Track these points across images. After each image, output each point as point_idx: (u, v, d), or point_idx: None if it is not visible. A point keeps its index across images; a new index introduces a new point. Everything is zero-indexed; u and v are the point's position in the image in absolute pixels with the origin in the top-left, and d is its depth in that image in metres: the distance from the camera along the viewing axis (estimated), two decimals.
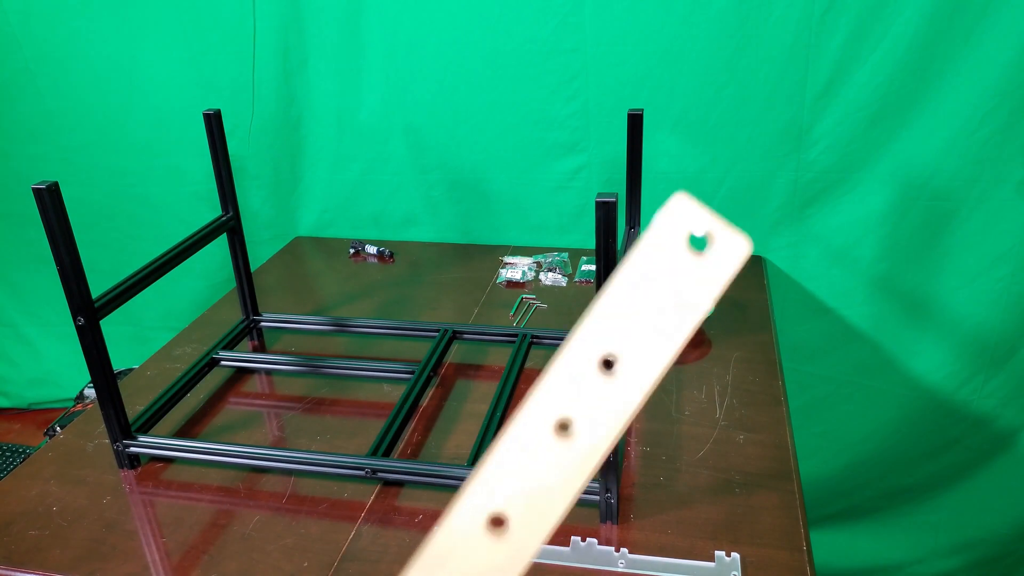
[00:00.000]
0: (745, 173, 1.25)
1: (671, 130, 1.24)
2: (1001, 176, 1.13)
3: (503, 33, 1.24)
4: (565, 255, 1.34)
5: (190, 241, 0.95)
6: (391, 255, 1.40)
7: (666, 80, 1.20)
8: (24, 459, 0.90)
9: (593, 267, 1.27)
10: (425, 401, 0.97)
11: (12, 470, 0.88)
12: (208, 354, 1.03)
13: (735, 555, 0.72)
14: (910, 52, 1.10)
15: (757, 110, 1.20)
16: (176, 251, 0.93)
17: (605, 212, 0.64)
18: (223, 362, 1.04)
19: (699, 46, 1.18)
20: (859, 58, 1.13)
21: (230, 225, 1.04)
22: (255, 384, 1.04)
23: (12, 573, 0.74)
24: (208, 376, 1.03)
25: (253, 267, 1.15)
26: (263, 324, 1.14)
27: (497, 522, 0.20)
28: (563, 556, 0.73)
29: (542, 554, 0.72)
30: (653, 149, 1.23)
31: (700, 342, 1.09)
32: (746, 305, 1.17)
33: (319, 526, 0.78)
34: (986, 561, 1.28)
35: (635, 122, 0.96)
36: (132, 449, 0.86)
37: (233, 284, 1.11)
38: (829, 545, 1.38)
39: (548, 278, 1.27)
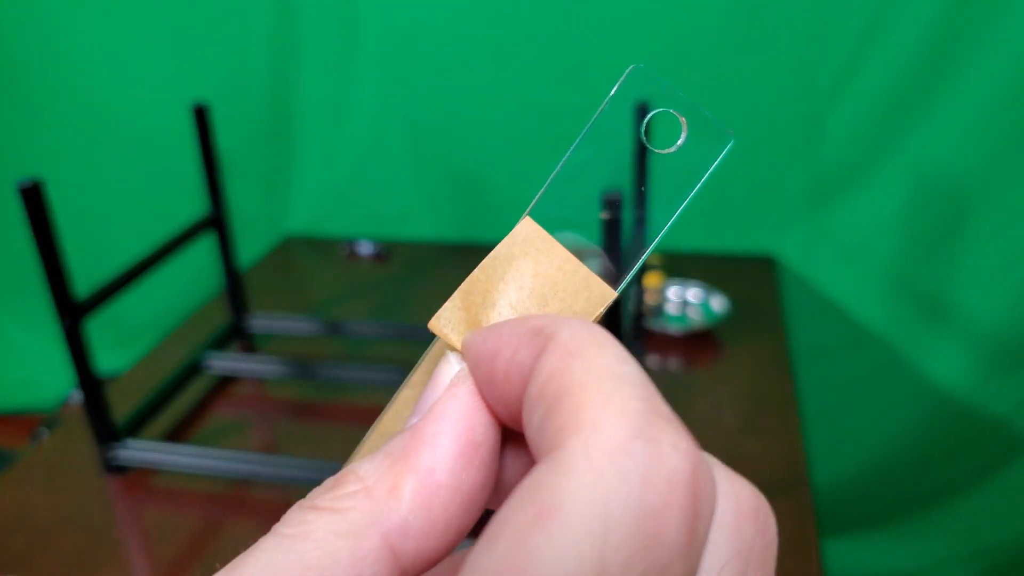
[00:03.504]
0: (756, 169, 1.21)
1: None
2: (1020, 172, 1.10)
3: (504, 21, 1.21)
4: None
5: (176, 239, 0.92)
6: (386, 254, 1.37)
7: (673, 71, 1.17)
8: (8, 464, 0.87)
9: None
10: None
11: None
12: (196, 357, 1.00)
13: None
14: (926, 43, 1.07)
15: (769, 103, 1.16)
16: (162, 250, 0.89)
17: (611, 210, 0.61)
18: (211, 365, 1.01)
19: (708, 35, 1.14)
20: (874, 49, 1.09)
21: (218, 223, 1.01)
22: (245, 388, 1.01)
23: None
24: (196, 380, 0.99)
25: (242, 267, 1.11)
26: (253, 326, 1.10)
27: None
28: None
29: None
30: None
31: (709, 344, 1.06)
32: (757, 306, 1.14)
33: None
34: (1004, 567, 1.24)
35: (640, 115, 0.93)
36: (119, 454, 0.83)
37: (222, 285, 1.08)
38: (842, 553, 1.35)
39: None
